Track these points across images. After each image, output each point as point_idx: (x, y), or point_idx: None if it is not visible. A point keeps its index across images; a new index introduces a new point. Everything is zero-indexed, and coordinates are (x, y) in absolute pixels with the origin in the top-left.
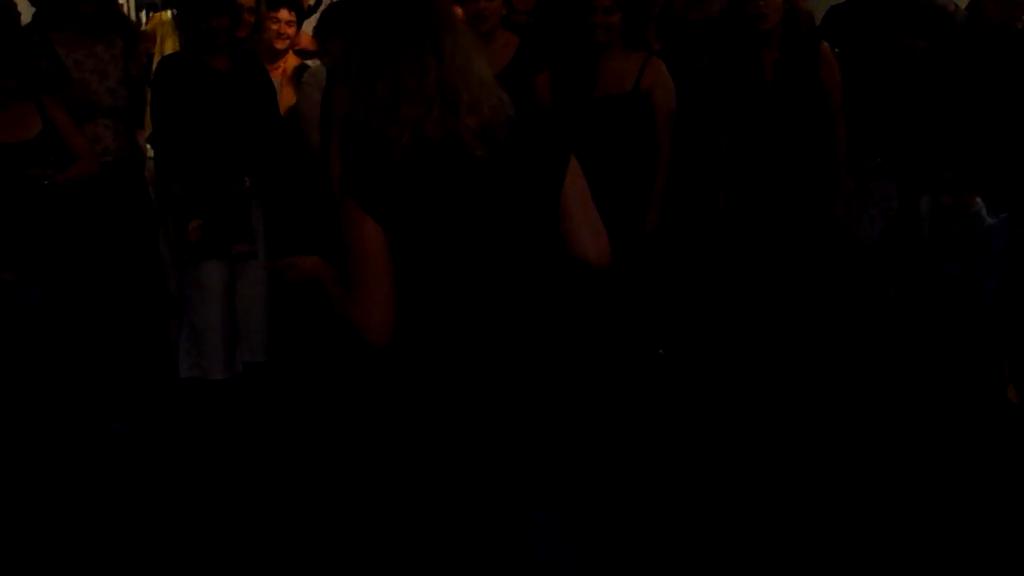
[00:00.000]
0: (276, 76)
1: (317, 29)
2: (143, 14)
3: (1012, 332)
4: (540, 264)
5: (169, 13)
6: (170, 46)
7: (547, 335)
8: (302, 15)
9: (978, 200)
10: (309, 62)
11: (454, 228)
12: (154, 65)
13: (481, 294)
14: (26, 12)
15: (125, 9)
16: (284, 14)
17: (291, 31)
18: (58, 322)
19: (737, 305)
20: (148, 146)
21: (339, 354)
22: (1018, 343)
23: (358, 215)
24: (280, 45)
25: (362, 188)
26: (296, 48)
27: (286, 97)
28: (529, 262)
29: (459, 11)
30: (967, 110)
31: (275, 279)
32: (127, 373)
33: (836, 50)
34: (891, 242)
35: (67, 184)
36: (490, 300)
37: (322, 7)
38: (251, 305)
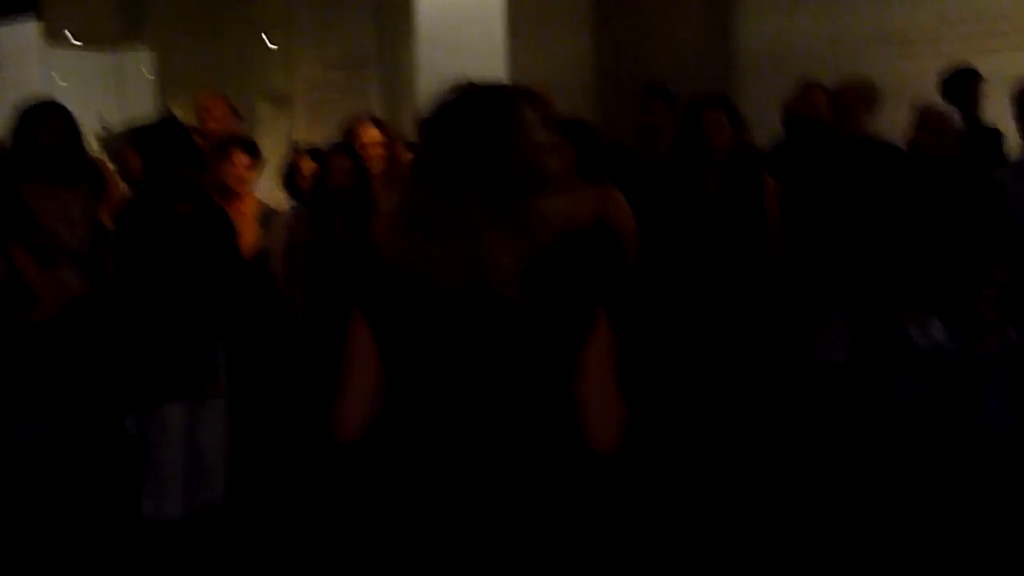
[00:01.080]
0: (236, 217)
1: None
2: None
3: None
4: (536, 427)
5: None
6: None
7: (519, 510)
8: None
9: (934, 321)
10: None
11: (450, 357)
12: None
13: (457, 440)
14: None
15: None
16: (242, 159)
17: (249, 175)
18: (19, 471)
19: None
20: None
21: (297, 496)
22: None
23: (356, 316)
24: (239, 188)
25: (365, 291)
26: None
27: (247, 237)
28: (523, 420)
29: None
30: (911, 236)
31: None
32: (84, 518)
33: (780, 187)
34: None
35: (28, 327)
36: (464, 451)
37: None
38: (211, 445)
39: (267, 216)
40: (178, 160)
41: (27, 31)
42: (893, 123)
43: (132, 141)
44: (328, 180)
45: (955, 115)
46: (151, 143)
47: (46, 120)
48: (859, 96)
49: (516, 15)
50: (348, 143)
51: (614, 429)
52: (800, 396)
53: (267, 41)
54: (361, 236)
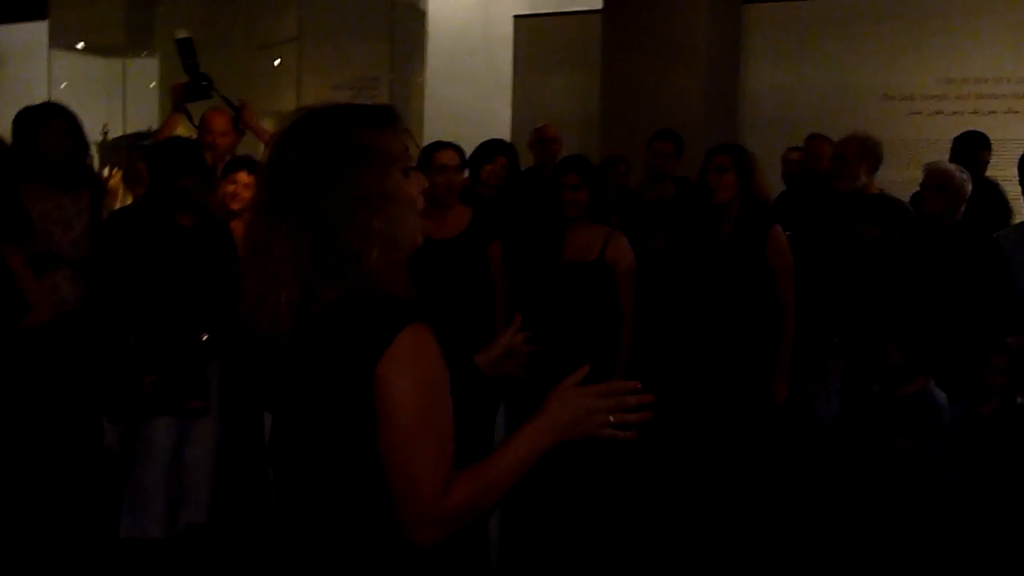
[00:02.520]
0: (237, 234)
1: None
2: (106, 169)
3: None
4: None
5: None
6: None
7: None
8: None
9: (930, 382)
10: None
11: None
12: None
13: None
14: None
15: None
16: (243, 176)
17: (248, 194)
18: None
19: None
20: None
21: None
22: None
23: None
24: (235, 206)
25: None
26: None
27: None
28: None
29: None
30: (917, 295)
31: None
32: (59, 534)
33: (788, 234)
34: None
35: (18, 333)
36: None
37: None
38: (197, 463)
39: None
40: (183, 173)
41: (35, 32)
42: (897, 181)
43: (133, 149)
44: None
45: (963, 175)
46: (158, 154)
47: (51, 122)
48: (860, 150)
49: (524, 48)
50: None
51: (420, 518)
52: (793, 453)
53: (276, 59)
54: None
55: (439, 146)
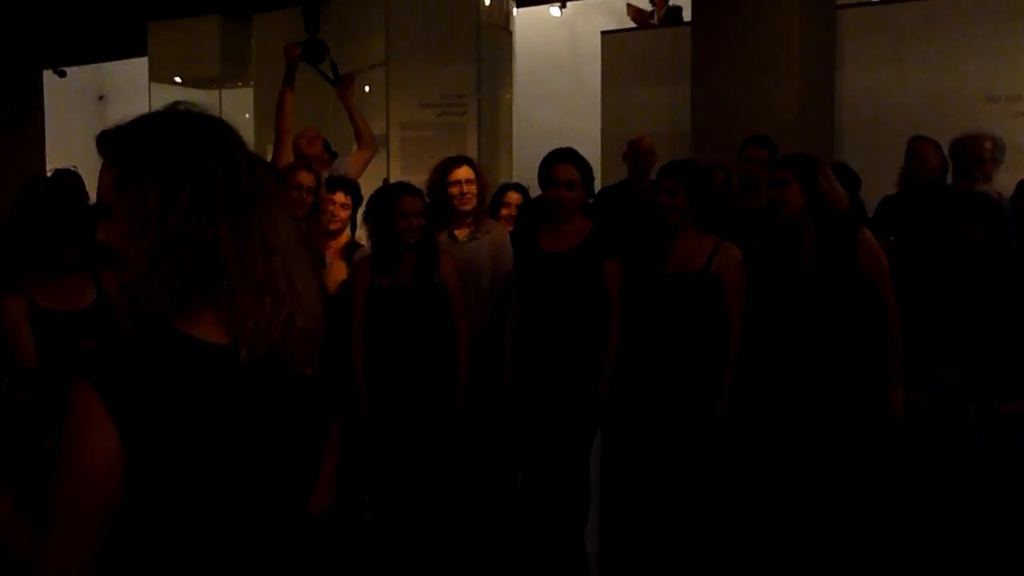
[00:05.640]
0: (327, 254)
1: None
2: None
3: None
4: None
5: None
6: None
7: None
8: (359, 200)
9: None
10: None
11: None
12: None
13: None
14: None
15: None
16: (340, 196)
17: (345, 214)
18: None
19: (785, 495)
20: None
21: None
22: None
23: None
24: (333, 227)
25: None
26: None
27: (335, 273)
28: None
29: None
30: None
31: None
32: None
33: (891, 238)
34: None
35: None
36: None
37: None
38: None
39: (352, 252)
40: None
41: (136, 68)
42: (1004, 185)
43: None
44: (395, 221)
45: None
46: None
47: None
48: (994, 150)
49: (611, 64)
50: (431, 182)
51: (330, 496)
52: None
53: (366, 85)
54: (429, 279)
55: (554, 159)
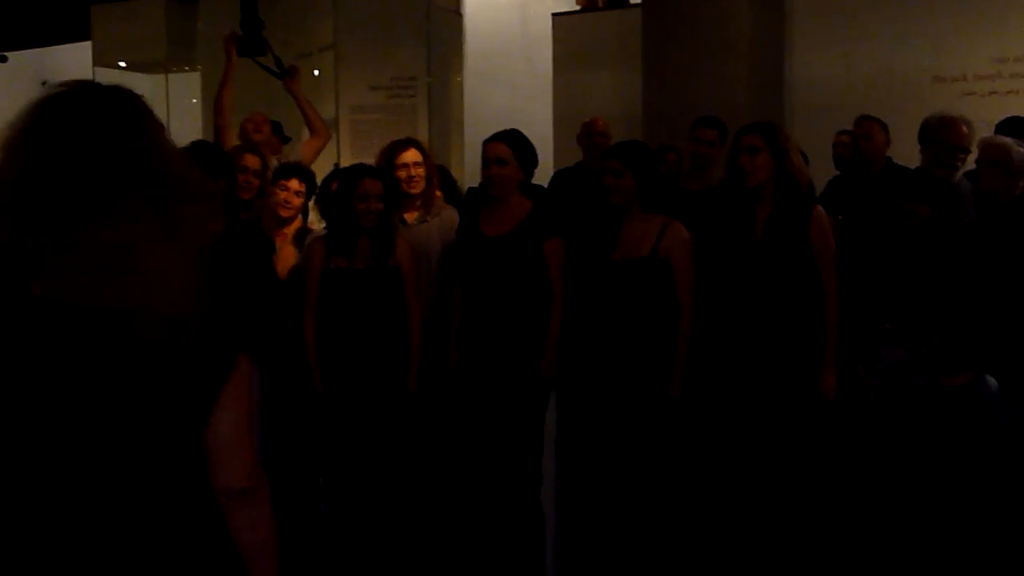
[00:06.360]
0: (277, 240)
1: None
2: None
3: None
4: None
5: None
6: None
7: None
8: (313, 187)
9: (982, 376)
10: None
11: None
12: None
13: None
14: None
15: None
16: (294, 184)
17: (298, 202)
18: None
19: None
20: None
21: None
22: None
23: None
24: (286, 213)
25: None
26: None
27: (285, 257)
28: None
29: None
30: (969, 278)
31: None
32: None
33: (840, 218)
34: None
35: None
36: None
37: None
38: None
39: (303, 238)
40: (208, 175)
41: (79, 52)
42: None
43: None
44: (354, 203)
45: (1021, 149)
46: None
47: None
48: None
49: (563, 47)
50: (379, 165)
51: (247, 470)
52: (836, 449)
53: (315, 68)
54: (384, 263)
55: (487, 139)
